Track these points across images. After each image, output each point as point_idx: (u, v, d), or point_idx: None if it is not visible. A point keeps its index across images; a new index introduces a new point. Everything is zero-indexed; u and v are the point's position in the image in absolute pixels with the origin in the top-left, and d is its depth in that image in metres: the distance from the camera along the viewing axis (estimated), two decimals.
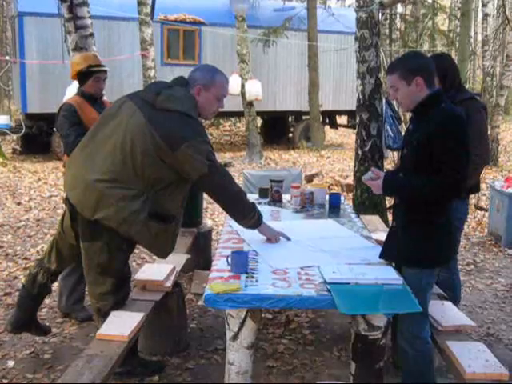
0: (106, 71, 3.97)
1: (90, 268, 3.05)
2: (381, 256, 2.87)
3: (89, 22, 5.72)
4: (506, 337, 3.96)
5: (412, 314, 2.49)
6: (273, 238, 3.18)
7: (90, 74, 3.88)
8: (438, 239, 2.66)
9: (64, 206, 3.79)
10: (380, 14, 6.23)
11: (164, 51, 13.17)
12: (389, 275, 2.69)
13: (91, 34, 5.74)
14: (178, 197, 3.03)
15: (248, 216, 3.08)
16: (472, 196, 7.10)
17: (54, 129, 4.06)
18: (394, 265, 2.85)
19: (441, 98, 2.66)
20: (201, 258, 5.03)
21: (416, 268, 2.67)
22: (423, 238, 2.65)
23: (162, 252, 3.19)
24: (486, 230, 6.72)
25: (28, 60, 11.63)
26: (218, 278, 2.65)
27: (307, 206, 4.07)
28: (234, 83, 12.17)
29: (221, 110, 3.11)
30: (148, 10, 10.74)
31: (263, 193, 4.32)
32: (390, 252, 2.82)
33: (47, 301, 4.33)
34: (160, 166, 2.85)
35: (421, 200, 2.63)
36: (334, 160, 12.67)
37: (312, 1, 13.99)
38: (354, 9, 6.11)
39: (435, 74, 2.73)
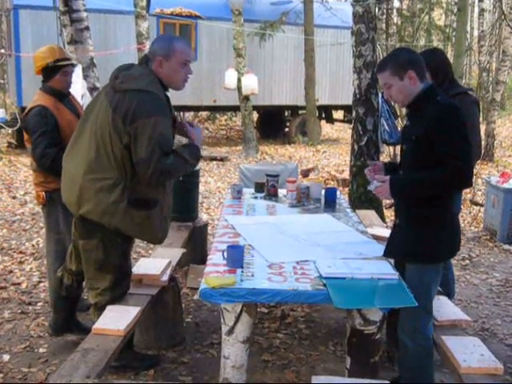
0: (73, 64, 3.79)
1: (88, 264, 3.06)
2: (384, 254, 2.85)
3: (84, 15, 5.71)
4: (501, 331, 3.98)
5: (416, 309, 2.49)
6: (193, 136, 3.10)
7: (57, 69, 3.59)
8: (440, 234, 2.65)
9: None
10: (376, 9, 6.23)
11: None
12: (384, 270, 2.69)
13: (87, 28, 5.73)
14: None
15: (186, 168, 3.01)
16: (468, 191, 7.13)
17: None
18: (393, 261, 2.84)
19: (435, 91, 2.65)
20: (196, 252, 5.02)
21: (420, 264, 2.67)
22: (426, 234, 2.64)
23: (154, 238, 3.16)
24: (482, 225, 6.73)
25: (23, 53, 11.56)
26: (214, 272, 2.65)
27: (303, 200, 4.07)
28: (231, 77, 12.15)
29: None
30: (144, 3, 10.70)
31: (259, 187, 4.32)
32: (394, 249, 2.80)
33: (42, 295, 4.34)
34: (124, 148, 2.82)
35: (431, 194, 2.59)
36: (330, 155, 12.67)
37: None
38: (350, 3, 6.10)
39: (425, 68, 2.72)
